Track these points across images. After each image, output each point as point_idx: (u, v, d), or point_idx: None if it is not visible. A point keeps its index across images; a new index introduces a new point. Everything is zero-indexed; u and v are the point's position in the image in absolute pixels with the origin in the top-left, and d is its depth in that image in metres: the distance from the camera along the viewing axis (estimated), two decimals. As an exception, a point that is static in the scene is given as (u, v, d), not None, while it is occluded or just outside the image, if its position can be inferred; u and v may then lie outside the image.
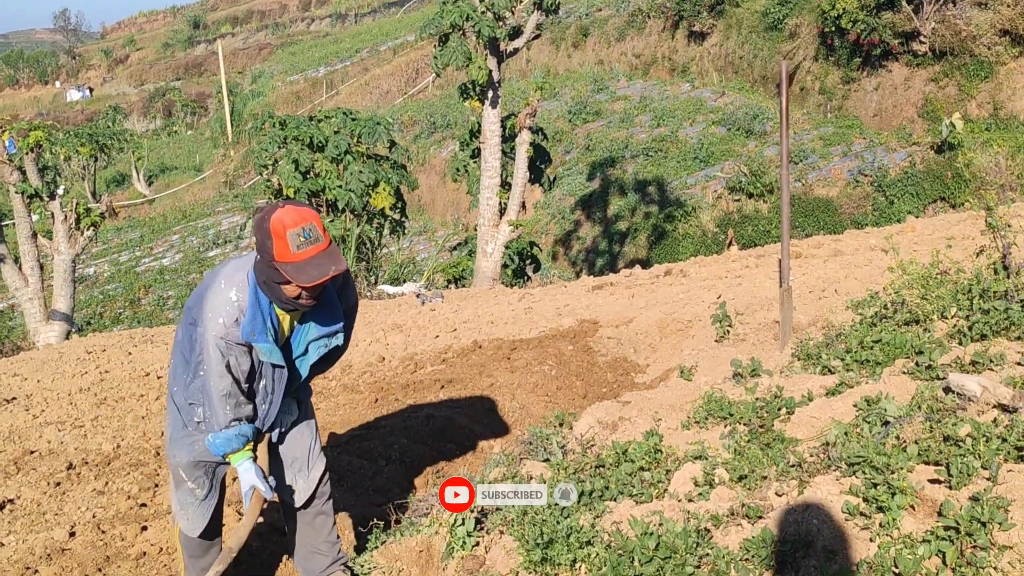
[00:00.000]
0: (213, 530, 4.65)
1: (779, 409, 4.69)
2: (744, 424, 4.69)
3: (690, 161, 30.05)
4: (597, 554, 3.72)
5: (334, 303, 4.39)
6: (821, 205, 25.50)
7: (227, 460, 4.30)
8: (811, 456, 4.00)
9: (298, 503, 4.65)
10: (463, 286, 19.91)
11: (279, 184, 19.19)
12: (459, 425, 6.85)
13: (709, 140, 30.66)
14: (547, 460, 4.96)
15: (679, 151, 30.92)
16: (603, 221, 30.02)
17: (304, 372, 4.47)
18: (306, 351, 4.42)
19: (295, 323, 4.37)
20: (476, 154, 20.20)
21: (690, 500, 4.01)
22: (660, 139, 32.13)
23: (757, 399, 4.88)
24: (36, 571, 5.37)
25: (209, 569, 4.29)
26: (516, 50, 18.81)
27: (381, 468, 6.06)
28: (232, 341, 4.08)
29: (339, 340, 4.46)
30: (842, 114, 28.97)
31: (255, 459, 4.32)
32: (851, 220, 24.28)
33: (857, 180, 25.58)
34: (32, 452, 7.71)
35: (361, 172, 18.88)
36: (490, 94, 18.56)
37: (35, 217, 20.04)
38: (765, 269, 10.95)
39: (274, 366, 4.26)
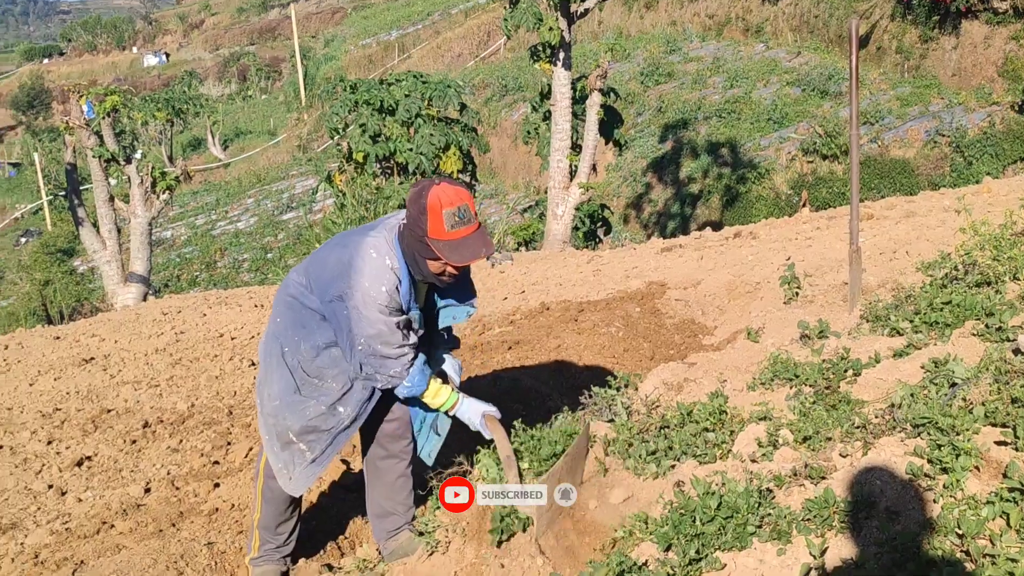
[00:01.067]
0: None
1: (846, 371, 4.66)
2: (810, 385, 4.67)
3: (764, 122, 29.73)
4: (660, 514, 3.74)
5: (467, 280, 4.54)
6: (897, 167, 25.10)
7: (436, 408, 4.52)
8: (876, 418, 3.97)
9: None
10: (534, 248, 19.93)
11: (349, 148, 19.29)
12: (525, 386, 6.88)
13: (783, 101, 30.30)
14: (611, 421, 4.98)
15: (752, 112, 30.60)
16: (675, 184, 29.84)
17: (433, 337, 4.68)
18: (436, 317, 4.60)
19: (430, 294, 4.56)
20: (547, 117, 20.14)
21: (753, 461, 4.00)
22: (733, 100, 31.83)
23: (824, 361, 4.85)
24: (112, 525, 5.51)
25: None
26: (587, 11, 18.70)
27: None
28: (394, 307, 4.18)
29: (467, 314, 4.63)
30: (919, 74, 28.43)
31: (460, 394, 4.55)
32: (928, 181, 23.87)
33: (934, 141, 25.14)
34: (109, 411, 7.89)
35: (431, 135, 18.93)
36: (561, 56, 18.49)
37: (113, 181, 20.37)
38: (836, 231, 10.82)
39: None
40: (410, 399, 4.53)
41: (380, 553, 4.84)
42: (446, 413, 4.56)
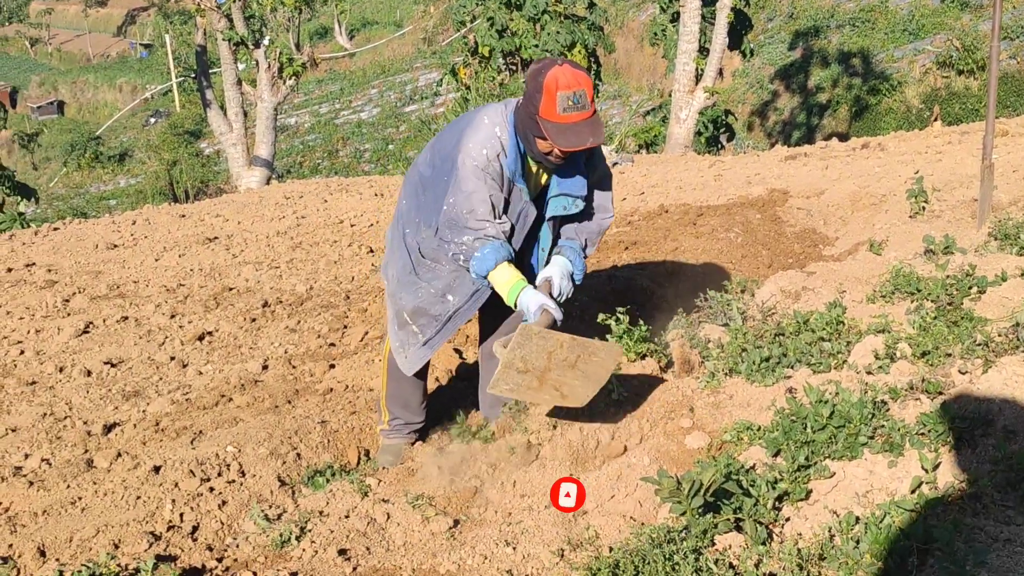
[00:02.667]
0: (423, 371, 4.87)
1: (970, 287, 4.57)
2: (932, 301, 4.59)
3: (899, 33, 28.88)
4: (770, 420, 3.73)
5: (580, 169, 4.42)
6: (1038, 84, 24.24)
7: (502, 294, 4.30)
8: (999, 336, 3.90)
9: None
10: (654, 152, 19.77)
11: (475, 41, 19.23)
12: (640, 286, 6.87)
13: (920, 12, 29.37)
14: (726, 325, 4.96)
15: (887, 22, 29.73)
16: (802, 92, 29.26)
17: (544, 223, 4.55)
18: (546, 204, 4.50)
19: (546, 176, 4.46)
20: (675, 18, 19.83)
21: (869, 372, 3.97)
22: (868, 9, 30.96)
23: (948, 276, 4.76)
24: (230, 399, 5.67)
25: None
26: (721, -93, 18.24)
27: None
28: (493, 173, 4.18)
29: (579, 206, 4.48)
30: (1068, -13, 27.29)
31: (525, 283, 4.31)
32: (1071, 101, 23.06)
33: (1078, 59, 24.19)
34: (231, 289, 8.09)
35: (558, 32, 18.76)
36: (693, -45, 18.11)
37: (241, 66, 20.65)
38: (968, 146, 10.52)
39: (521, 211, 4.36)
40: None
41: None
42: (512, 302, 4.29)
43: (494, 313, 4.74)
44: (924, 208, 6.85)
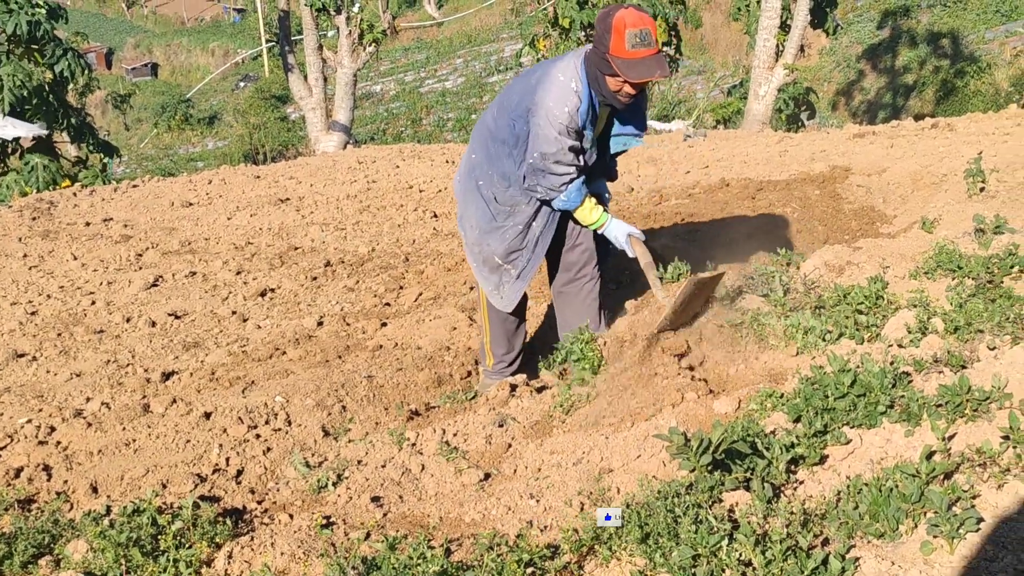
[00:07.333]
0: (520, 308, 5.29)
1: (1012, 266, 4.58)
2: (972, 278, 4.61)
3: (991, 15, 28.30)
4: (793, 387, 3.80)
5: (642, 111, 4.92)
6: None
7: (587, 224, 4.94)
8: (1032, 313, 3.92)
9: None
10: (733, 127, 19.65)
11: (555, 13, 19.24)
12: (693, 258, 6.89)
13: (1015, -9, 28.76)
14: (766, 296, 5.02)
15: (980, 3, 29.14)
16: (889, 73, 28.83)
17: (606, 161, 5.07)
18: (608, 145, 4.97)
19: (610, 118, 4.88)
20: (758, -7, 19.62)
21: (900, 346, 4.02)
22: (961, -12, 30.35)
23: (991, 255, 4.77)
24: (284, 352, 5.87)
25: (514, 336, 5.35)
26: None
27: (611, 291, 6.25)
28: (572, 127, 4.56)
29: (638, 143, 5.01)
30: None
31: (609, 215, 4.96)
32: None
33: None
34: (296, 248, 8.30)
35: (639, 5, 18.67)
36: (776, -72, 17.93)
37: (331, 32, 20.89)
38: (1038, 128, 10.35)
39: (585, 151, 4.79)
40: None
41: None
42: (595, 230, 4.96)
43: (554, 255, 5.16)
44: (982, 189, 6.81)
